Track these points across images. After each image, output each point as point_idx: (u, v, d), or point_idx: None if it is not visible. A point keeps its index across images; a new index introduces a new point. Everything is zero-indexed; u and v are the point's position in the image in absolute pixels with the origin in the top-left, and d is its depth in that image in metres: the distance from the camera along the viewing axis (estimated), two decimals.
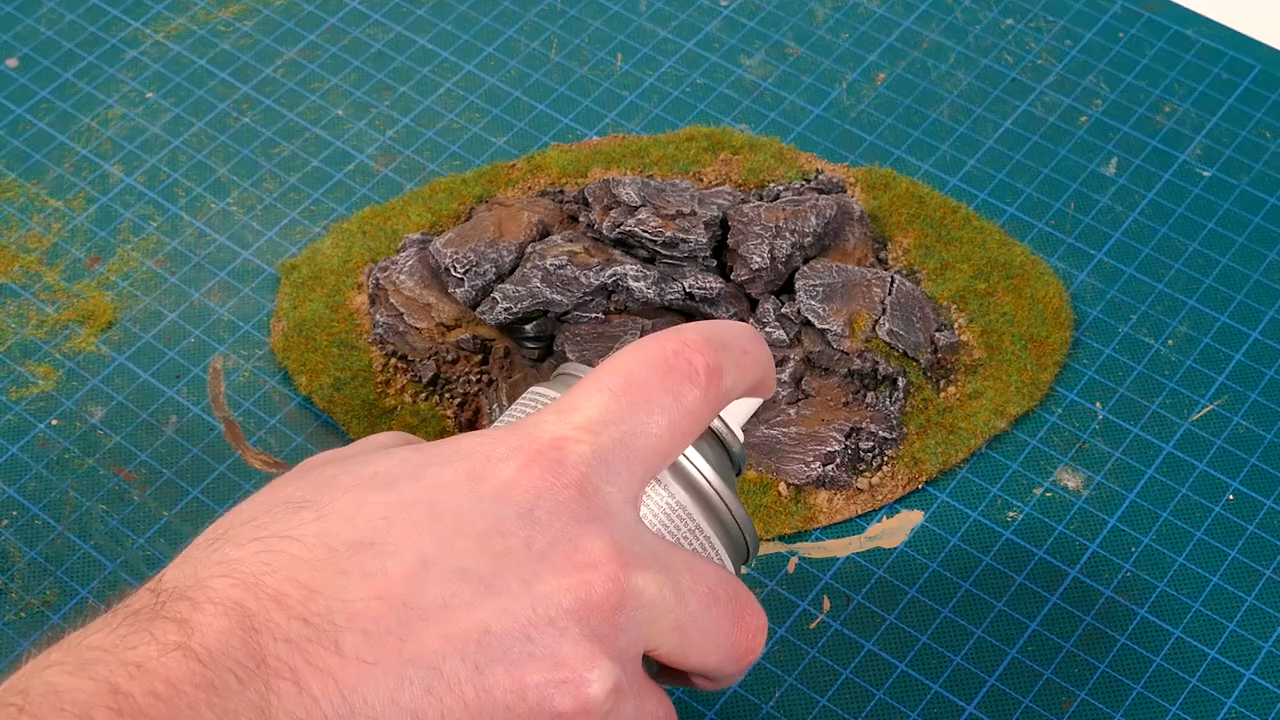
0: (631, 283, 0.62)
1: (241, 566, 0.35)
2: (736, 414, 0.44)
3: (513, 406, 0.43)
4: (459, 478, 0.37)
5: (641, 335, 0.62)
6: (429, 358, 0.63)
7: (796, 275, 0.63)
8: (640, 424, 0.38)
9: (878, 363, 0.62)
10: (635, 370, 0.39)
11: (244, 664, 0.33)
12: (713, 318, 0.63)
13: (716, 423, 0.42)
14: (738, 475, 0.44)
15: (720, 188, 0.67)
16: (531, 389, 0.43)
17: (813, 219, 0.64)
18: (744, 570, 0.43)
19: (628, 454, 0.38)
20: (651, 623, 0.37)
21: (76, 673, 0.33)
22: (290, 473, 0.40)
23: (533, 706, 0.35)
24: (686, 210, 0.64)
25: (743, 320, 0.63)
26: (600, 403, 0.38)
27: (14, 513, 0.61)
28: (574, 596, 0.36)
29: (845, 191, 0.68)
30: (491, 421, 0.61)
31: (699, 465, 0.40)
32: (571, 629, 0.35)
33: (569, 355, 0.62)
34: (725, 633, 0.39)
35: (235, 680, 0.33)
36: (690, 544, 0.40)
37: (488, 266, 0.63)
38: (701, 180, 0.69)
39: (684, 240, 0.63)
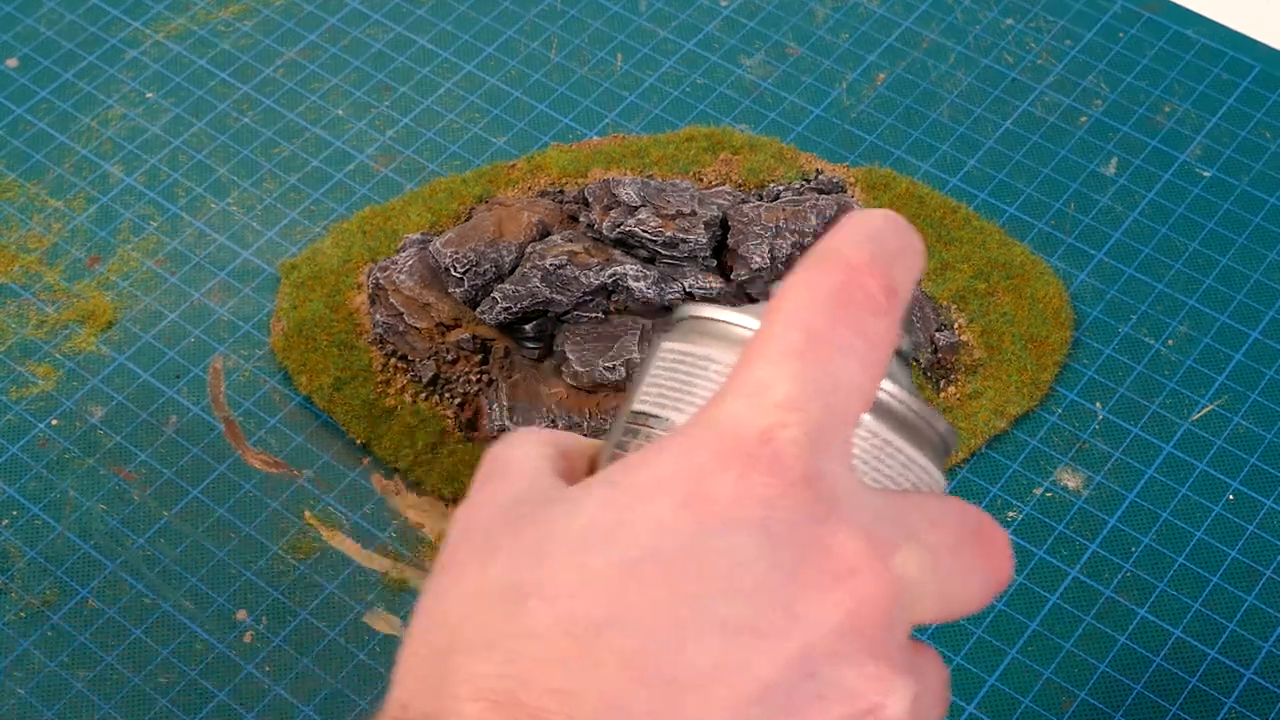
0: (631, 282, 0.62)
1: (489, 684, 0.31)
2: None
3: (652, 372, 0.37)
4: (675, 511, 0.32)
5: (641, 335, 0.62)
6: (429, 358, 0.63)
7: None
8: (836, 380, 0.33)
9: None
10: (813, 319, 0.33)
11: None
12: None
13: None
14: (914, 363, 0.38)
15: (720, 188, 0.67)
16: (667, 346, 0.37)
17: (813, 219, 0.64)
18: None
19: (835, 418, 0.33)
20: (917, 600, 0.33)
21: None
22: (466, 540, 0.35)
23: None
24: (686, 210, 0.64)
25: None
26: (792, 371, 0.33)
27: (14, 513, 0.61)
28: (843, 611, 0.32)
29: (845, 191, 0.68)
30: (492, 422, 0.61)
31: (889, 389, 0.36)
32: (852, 651, 0.32)
33: (569, 355, 0.62)
34: (979, 571, 0.35)
35: None
36: (906, 479, 0.36)
37: (488, 266, 0.63)
38: (701, 180, 0.69)
39: (684, 240, 0.63)
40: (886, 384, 0.36)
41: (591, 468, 0.37)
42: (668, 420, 0.36)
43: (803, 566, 0.31)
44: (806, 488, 0.32)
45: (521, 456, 0.37)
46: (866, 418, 0.35)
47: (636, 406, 0.36)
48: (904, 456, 0.36)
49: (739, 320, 0.36)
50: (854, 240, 0.35)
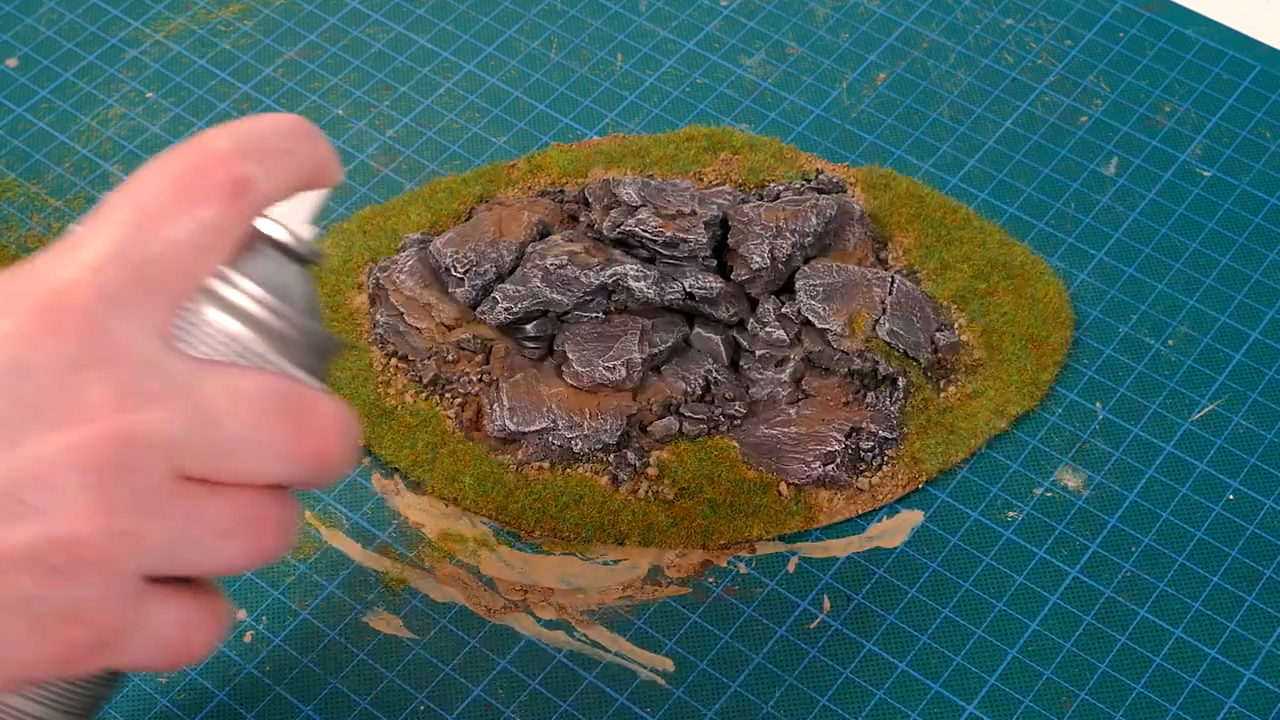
0: (631, 283, 0.62)
1: None
2: (301, 209, 0.42)
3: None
4: None
5: (641, 335, 0.62)
6: (429, 358, 0.63)
7: (797, 275, 0.63)
8: (155, 252, 0.36)
9: (878, 363, 0.62)
10: (147, 195, 0.37)
11: None
12: (713, 317, 0.63)
13: (271, 226, 0.40)
14: (315, 266, 0.40)
15: (720, 188, 0.67)
16: None
17: (813, 219, 0.64)
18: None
19: (143, 285, 0.36)
20: (173, 456, 0.36)
21: None
22: None
23: (19, 562, 0.34)
24: (686, 210, 0.64)
25: (742, 319, 0.63)
26: (108, 236, 0.36)
27: None
28: (71, 451, 0.34)
29: (845, 191, 0.68)
30: (493, 422, 0.61)
31: (236, 280, 0.38)
32: (68, 484, 0.34)
33: (569, 355, 0.62)
34: (284, 442, 0.37)
35: None
36: (246, 362, 0.39)
37: (488, 266, 0.63)
38: (701, 180, 0.69)
39: (684, 240, 0.63)
40: (238, 278, 0.38)
41: None
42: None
43: (46, 406, 0.34)
44: (79, 339, 0.35)
45: None
46: (207, 306, 0.38)
47: None
48: (240, 346, 0.38)
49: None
50: (227, 133, 0.38)
